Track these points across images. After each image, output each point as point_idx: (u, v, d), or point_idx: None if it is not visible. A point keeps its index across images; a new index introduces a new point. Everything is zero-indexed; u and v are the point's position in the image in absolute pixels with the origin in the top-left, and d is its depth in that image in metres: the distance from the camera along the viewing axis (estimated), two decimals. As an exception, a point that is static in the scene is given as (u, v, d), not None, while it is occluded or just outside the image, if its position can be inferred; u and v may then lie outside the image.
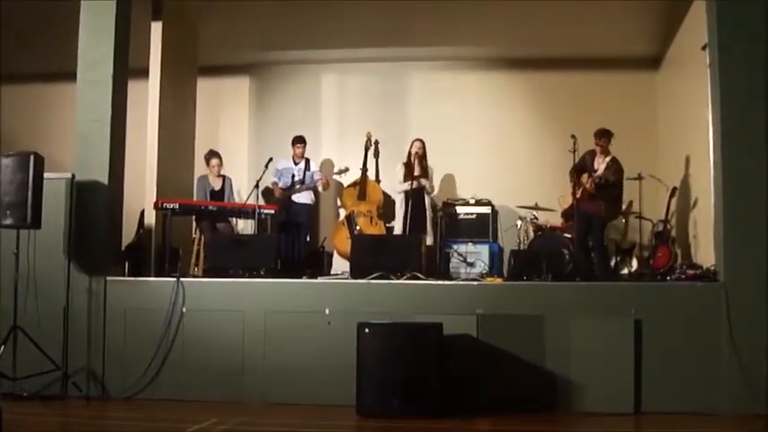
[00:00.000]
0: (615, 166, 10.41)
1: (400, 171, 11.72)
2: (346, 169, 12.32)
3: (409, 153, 11.71)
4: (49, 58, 12.22)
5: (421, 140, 11.76)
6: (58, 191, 9.05)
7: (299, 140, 12.10)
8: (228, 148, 12.93)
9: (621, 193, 10.73)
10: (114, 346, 8.90)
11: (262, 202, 10.90)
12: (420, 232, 11.21)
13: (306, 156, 12.15)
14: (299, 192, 11.86)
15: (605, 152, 10.53)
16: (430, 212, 11.77)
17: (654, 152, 12.54)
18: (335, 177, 12.62)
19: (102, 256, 9.15)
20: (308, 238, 12.14)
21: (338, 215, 13.09)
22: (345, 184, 12.74)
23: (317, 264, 11.60)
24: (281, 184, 11.92)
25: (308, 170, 12.07)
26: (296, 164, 12.07)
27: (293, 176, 11.90)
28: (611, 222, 11.13)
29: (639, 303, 8.29)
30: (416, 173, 11.60)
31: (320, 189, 12.20)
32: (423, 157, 11.70)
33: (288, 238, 11.47)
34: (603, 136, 10.49)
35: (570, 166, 10.49)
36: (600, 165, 10.46)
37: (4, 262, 8.77)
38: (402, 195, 11.60)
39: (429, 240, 11.47)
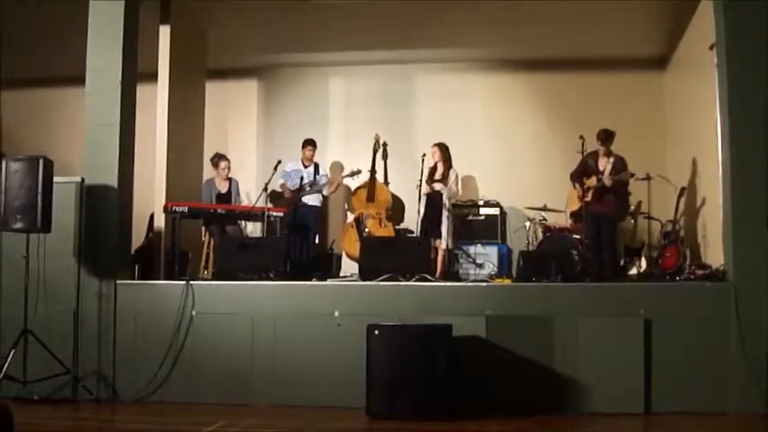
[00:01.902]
0: (622, 164, 10.41)
1: (424, 175, 11.62)
2: (358, 171, 12.29)
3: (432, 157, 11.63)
4: (58, 62, 12.23)
5: (437, 145, 11.67)
6: (68, 195, 9.08)
7: (310, 143, 12.12)
8: (237, 151, 12.98)
9: (627, 188, 10.73)
10: (124, 349, 8.91)
11: (270, 204, 10.91)
12: (435, 236, 11.16)
13: (315, 159, 12.18)
14: (308, 194, 11.87)
15: (608, 153, 10.54)
16: (447, 217, 11.60)
17: (662, 152, 12.53)
18: (346, 180, 12.60)
19: (112, 260, 9.17)
20: (316, 240, 12.15)
21: (347, 217, 13.12)
22: (354, 187, 12.75)
23: (325, 266, 11.61)
24: (289, 186, 11.93)
25: (318, 174, 12.08)
26: (305, 167, 12.09)
27: (302, 179, 11.90)
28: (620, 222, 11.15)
29: (649, 304, 8.28)
30: (436, 177, 11.53)
31: (325, 192, 12.20)
32: (442, 162, 11.61)
33: (296, 240, 11.47)
34: (608, 138, 10.49)
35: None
36: (605, 166, 10.46)
37: (15, 266, 8.78)
38: (424, 199, 11.49)
39: (445, 244, 11.37)
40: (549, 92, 13.22)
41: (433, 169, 11.58)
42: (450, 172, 11.60)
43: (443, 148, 11.60)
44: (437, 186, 11.49)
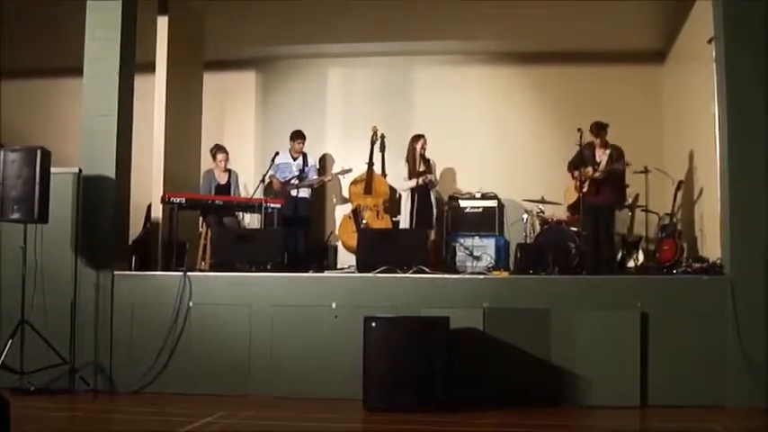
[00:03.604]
0: (617, 153, 10.41)
1: (405, 168, 11.71)
2: (349, 170, 12.31)
3: (414, 149, 11.68)
4: (56, 53, 12.22)
5: (424, 136, 11.75)
6: (65, 185, 9.08)
7: (300, 136, 12.09)
8: (234, 143, 12.93)
9: (624, 178, 10.73)
10: (121, 340, 8.92)
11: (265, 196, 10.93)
12: (427, 227, 11.20)
13: (307, 150, 12.17)
14: (297, 188, 11.83)
15: (605, 144, 10.53)
16: (435, 207, 11.76)
17: (660, 145, 12.53)
18: (339, 177, 12.61)
19: (110, 251, 9.17)
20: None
21: (335, 209, 13.15)
22: (351, 179, 12.73)
23: (322, 258, 11.61)
24: (279, 177, 11.92)
25: (307, 165, 12.07)
26: (294, 159, 12.07)
27: (301, 171, 11.89)
28: (617, 213, 11.14)
29: (646, 297, 8.28)
30: (421, 168, 11.59)
31: (315, 186, 12.21)
32: (425, 153, 11.72)
33: (288, 232, 11.43)
34: (601, 130, 10.48)
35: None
36: (602, 157, 10.45)
37: (12, 257, 8.80)
38: (408, 191, 11.59)
39: (434, 235, 11.43)
40: (548, 84, 13.20)
41: (414, 161, 11.63)
42: (431, 162, 11.73)
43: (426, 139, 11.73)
44: (430, 177, 11.58)
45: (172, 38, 11.01)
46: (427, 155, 11.72)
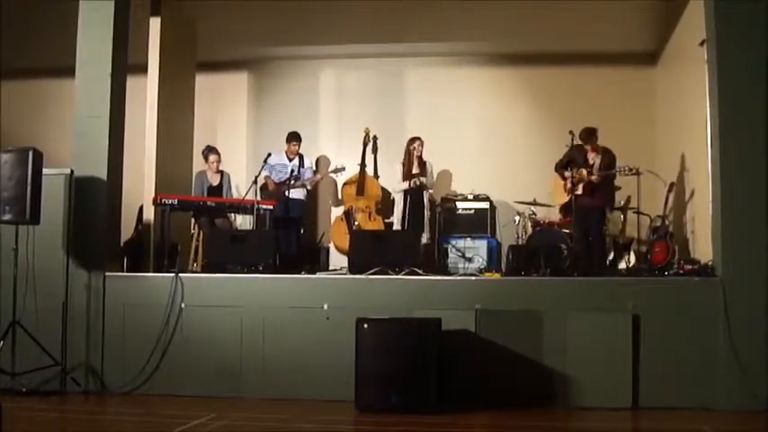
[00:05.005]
0: (609, 158, 10.40)
1: (399, 171, 11.74)
2: (342, 168, 12.31)
3: (410, 151, 11.72)
4: (48, 54, 12.20)
5: (419, 139, 11.79)
6: (57, 186, 9.05)
7: (295, 138, 12.10)
8: (227, 144, 12.95)
9: (614, 181, 10.73)
10: (113, 341, 8.90)
11: (260, 197, 10.92)
12: (418, 229, 11.21)
13: (301, 151, 12.17)
14: (292, 188, 11.82)
15: (595, 148, 10.51)
16: (428, 210, 11.78)
17: (652, 147, 12.54)
18: (332, 176, 12.61)
19: (101, 252, 9.15)
20: (301, 232, 12.13)
21: (331, 211, 13.14)
22: (344, 180, 12.73)
23: (314, 259, 11.60)
24: (273, 178, 11.92)
25: (302, 166, 12.08)
26: (290, 160, 12.07)
27: (292, 172, 11.88)
28: (609, 214, 11.15)
29: (637, 299, 8.29)
30: (415, 170, 11.62)
31: (309, 186, 12.21)
32: (420, 155, 11.76)
33: (281, 233, 11.43)
34: (590, 136, 10.45)
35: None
36: (594, 159, 10.44)
37: (3, 258, 8.77)
38: (401, 193, 11.62)
39: (425, 238, 11.45)
40: (540, 86, 13.21)
41: (410, 163, 11.66)
42: (427, 164, 11.75)
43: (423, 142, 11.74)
44: (423, 179, 11.61)
45: (164, 39, 10.99)
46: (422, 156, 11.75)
